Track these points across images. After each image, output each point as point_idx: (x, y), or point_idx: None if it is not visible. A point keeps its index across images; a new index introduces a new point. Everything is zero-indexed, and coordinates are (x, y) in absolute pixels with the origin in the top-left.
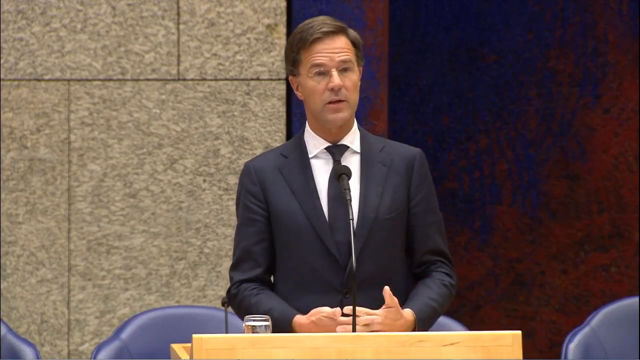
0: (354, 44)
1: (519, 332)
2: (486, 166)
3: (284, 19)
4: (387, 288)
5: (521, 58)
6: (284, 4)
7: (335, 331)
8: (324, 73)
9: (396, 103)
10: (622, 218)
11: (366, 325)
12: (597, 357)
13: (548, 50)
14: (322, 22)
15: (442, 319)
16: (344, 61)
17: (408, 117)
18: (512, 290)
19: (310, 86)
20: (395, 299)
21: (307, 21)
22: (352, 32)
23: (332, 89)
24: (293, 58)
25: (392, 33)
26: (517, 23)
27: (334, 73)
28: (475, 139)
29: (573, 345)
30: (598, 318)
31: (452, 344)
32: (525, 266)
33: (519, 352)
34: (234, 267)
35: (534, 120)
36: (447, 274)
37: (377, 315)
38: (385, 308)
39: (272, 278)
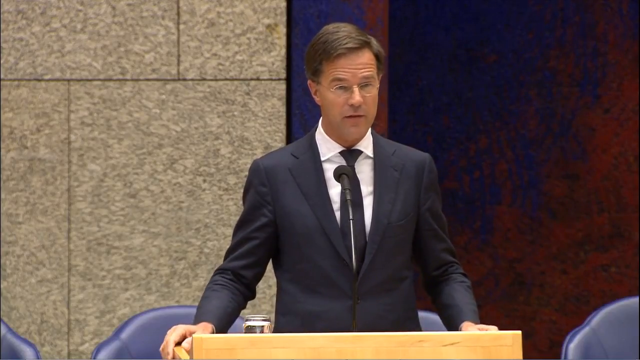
0: (376, 56)
1: (519, 332)
2: (486, 166)
3: (284, 19)
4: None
5: (521, 58)
6: (284, 4)
7: None
8: (345, 87)
9: (396, 103)
10: (622, 218)
11: None
12: (597, 357)
13: (548, 50)
14: (347, 35)
15: None
16: (365, 77)
17: (408, 117)
18: (512, 290)
19: (330, 98)
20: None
21: (331, 28)
22: (375, 44)
23: (351, 105)
24: (315, 67)
25: (392, 33)
26: (517, 23)
27: (356, 90)
28: (475, 139)
29: (573, 345)
30: (598, 318)
31: (452, 344)
32: (525, 266)
33: (519, 352)
34: (224, 257)
35: (534, 120)
36: (464, 275)
37: None
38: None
39: (251, 275)
